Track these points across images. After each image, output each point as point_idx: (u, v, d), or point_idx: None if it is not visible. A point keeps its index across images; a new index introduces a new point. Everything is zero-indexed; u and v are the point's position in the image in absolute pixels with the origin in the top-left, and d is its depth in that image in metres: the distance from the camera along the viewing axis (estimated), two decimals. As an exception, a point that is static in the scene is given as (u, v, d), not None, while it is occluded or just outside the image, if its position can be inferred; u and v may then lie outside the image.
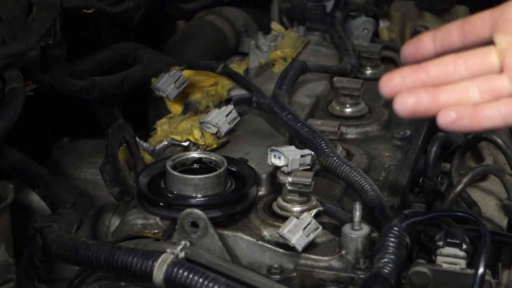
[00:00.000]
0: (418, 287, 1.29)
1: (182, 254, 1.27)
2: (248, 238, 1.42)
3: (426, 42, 1.16)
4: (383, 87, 1.13)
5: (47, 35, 1.61)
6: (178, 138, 1.67)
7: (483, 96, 1.10)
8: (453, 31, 1.14)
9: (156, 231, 1.42)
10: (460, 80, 1.11)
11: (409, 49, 1.17)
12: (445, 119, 1.09)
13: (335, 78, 1.86)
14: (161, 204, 1.44)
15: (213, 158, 1.50)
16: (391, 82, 1.12)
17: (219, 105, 1.72)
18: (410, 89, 1.11)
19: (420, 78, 1.12)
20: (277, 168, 1.45)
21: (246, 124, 1.74)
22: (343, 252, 1.36)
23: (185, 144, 1.65)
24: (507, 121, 1.10)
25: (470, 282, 1.25)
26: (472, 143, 1.83)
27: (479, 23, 1.13)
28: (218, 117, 1.67)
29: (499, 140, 1.77)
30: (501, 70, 1.11)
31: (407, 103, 1.10)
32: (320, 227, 1.38)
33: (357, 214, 1.35)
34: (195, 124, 1.69)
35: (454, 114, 1.09)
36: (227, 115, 1.68)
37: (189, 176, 1.44)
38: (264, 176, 1.55)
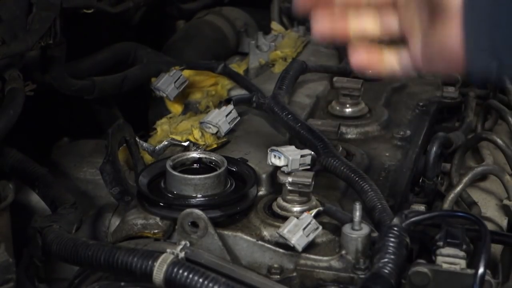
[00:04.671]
0: (418, 287, 1.29)
1: (182, 254, 1.27)
2: (248, 238, 1.42)
3: None
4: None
5: (47, 35, 1.61)
6: (178, 138, 1.67)
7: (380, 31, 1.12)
8: None
9: (156, 231, 1.42)
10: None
11: None
12: (357, 62, 1.14)
13: (335, 78, 1.86)
14: (161, 204, 1.44)
15: (213, 158, 1.50)
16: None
17: (219, 105, 1.72)
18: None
19: None
20: (277, 168, 1.45)
21: (246, 124, 1.74)
22: (343, 252, 1.35)
23: (185, 144, 1.65)
24: (403, 69, 1.12)
25: (470, 282, 1.25)
26: (472, 143, 1.83)
27: None
28: (218, 117, 1.67)
29: (499, 140, 1.77)
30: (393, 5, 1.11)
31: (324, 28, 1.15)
32: (320, 227, 1.38)
33: (357, 214, 1.35)
34: (195, 124, 1.69)
35: (365, 60, 1.13)
36: (227, 115, 1.68)
37: (189, 176, 1.44)
38: (264, 176, 1.55)
